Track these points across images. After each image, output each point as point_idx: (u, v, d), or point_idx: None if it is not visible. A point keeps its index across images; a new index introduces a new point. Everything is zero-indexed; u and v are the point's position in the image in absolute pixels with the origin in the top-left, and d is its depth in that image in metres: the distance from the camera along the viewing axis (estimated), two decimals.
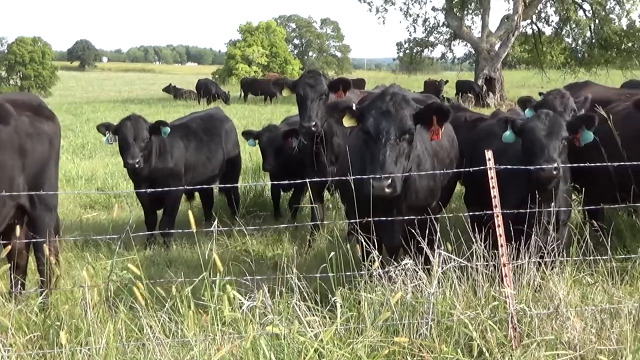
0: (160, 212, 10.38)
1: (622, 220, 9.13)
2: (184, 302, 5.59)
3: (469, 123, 9.28)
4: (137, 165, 9.32)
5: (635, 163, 7.03)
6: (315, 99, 9.04)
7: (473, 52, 42.81)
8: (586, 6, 40.72)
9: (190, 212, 5.81)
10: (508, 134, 6.79)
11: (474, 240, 6.15)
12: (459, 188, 9.54)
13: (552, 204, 6.59)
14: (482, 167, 6.20)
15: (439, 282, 5.83)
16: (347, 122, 6.52)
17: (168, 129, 9.68)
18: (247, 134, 11.48)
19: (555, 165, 6.26)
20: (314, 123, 8.92)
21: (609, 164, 7.25)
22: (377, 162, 5.99)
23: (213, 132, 11.23)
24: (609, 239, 6.70)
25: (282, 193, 11.90)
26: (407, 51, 46.08)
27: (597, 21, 40.16)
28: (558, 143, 6.41)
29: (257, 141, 11.22)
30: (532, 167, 6.31)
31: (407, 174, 6.31)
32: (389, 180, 5.92)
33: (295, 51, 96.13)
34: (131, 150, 9.31)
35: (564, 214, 6.91)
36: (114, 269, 6.44)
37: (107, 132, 9.52)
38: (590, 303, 6.10)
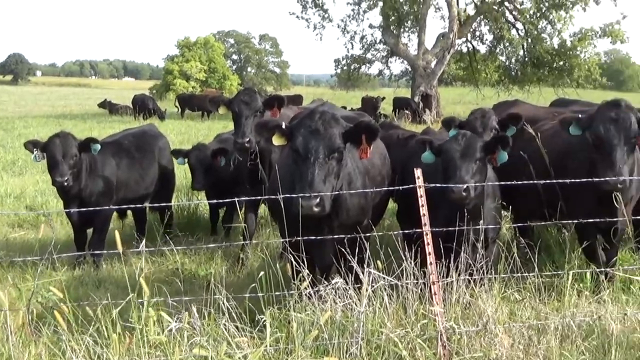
0: (90, 231, 10.15)
1: (551, 236, 9.28)
2: (109, 325, 5.47)
3: (401, 141, 9.34)
4: (65, 184, 9.13)
5: (561, 181, 7.12)
6: (250, 115, 9.11)
7: (410, 69, 43.27)
8: (519, 25, 41.55)
9: (116, 232, 5.71)
10: (427, 154, 6.86)
11: (404, 258, 6.17)
12: (392, 205, 9.58)
13: (481, 221, 6.66)
14: (411, 186, 6.25)
15: (369, 301, 5.84)
16: (276, 140, 6.51)
17: (98, 146, 9.51)
18: (176, 153, 11.44)
19: (466, 186, 6.30)
20: (247, 139, 8.99)
21: (537, 181, 7.36)
22: (306, 180, 5.97)
23: (146, 149, 11.09)
24: (536, 256, 6.80)
25: (219, 210, 11.81)
26: (345, 68, 46.30)
27: (529, 40, 41.01)
28: (471, 164, 6.47)
29: (186, 160, 11.15)
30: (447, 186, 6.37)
31: (336, 192, 6.30)
32: (318, 199, 5.90)
33: (234, 67, 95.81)
34: (60, 168, 9.11)
35: (492, 232, 6.98)
36: (39, 290, 6.29)
37: (34, 149, 9.30)
38: (518, 319, 6.18)
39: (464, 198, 6.32)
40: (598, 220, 7.08)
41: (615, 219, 7.22)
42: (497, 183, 7.24)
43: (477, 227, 6.58)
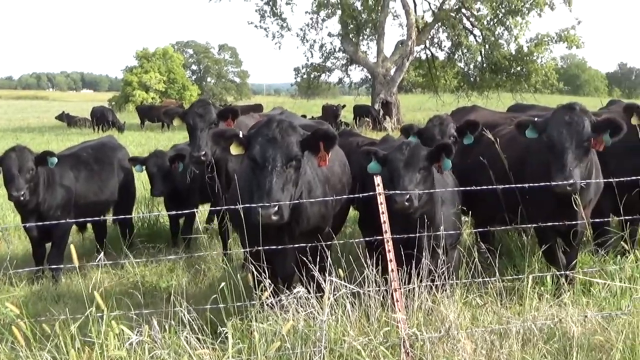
0: (49, 245, 10.00)
1: (512, 240, 9.34)
2: (68, 340, 5.39)
3: (361, 148, 9.34)
4: (22, 198, 8.99)
5: (520, 185, 7.17)
6: (205, 128, 9.15)
7: (369, 76, 43.41)
8: (476, 32, 41.89)
9: (72, 247, 5.64)
10: (372, 164, 6.83)
11: (365, 265, 6.17)
12: (354, 213, 9.58)
13: (441, 227, 6.68)
14: (371, 193, 6.25)
15: (331, 309, 5.82)
16: (234, 150, 6.49)
17: (55, 160, 9.37)
18: (134, 160, 11.33)
19: (408, 195, 6.29)
20: (203, 152, 9.03)
21: (495, 186, 7.39)
22: (264, 189, 5.97)
23: (105, 161, 10.97)
24: (497, 260, 6.84)
25: (179, 221, 11.74)
26: (305, 76, 46.27)
27: (487, 46, 41.35)
28: (415, 174, 6.48)
29: (144, 167, 11.07)
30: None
31: (295, 201, 6.29)
32: (276, 208, 5.89)
33: (193, 77, 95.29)
34: (15, 182, 8.96)
35: (451, 238, 7.00)
36: None
37: None
38: (480, 324, 6.20)
39: (407, 208, 6.30)
40: (557, 223, 7.16)
41: (575, 222, 7.30)
42: (455, 189, 7.29)
43: (437, 233, 6.60)
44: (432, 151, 6.69)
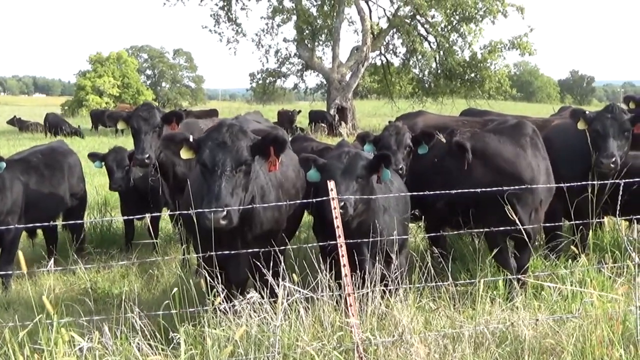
0: None
1: (464, 244, 9.41)
2: (16, 347, 5.30)
3: (316, 153, 9.33)
4: None
5: (467, 190, 7.19)
6: (149, 131, 9.19)
7: (325, 82, 43.47)
8: (431, 38, 42.23)
9: (20, 253, 5.55)
10: (312, 172, 6.84)
11: (319, 270, 6.17)
12: (308, 218, 9.57)
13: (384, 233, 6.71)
14: (325, 198, 6.25)
15: (284, 314, 5.81)
16: (184, 154, 6.47)
17: (3, 164, 9.22)
18: (93, 156, 11.27)
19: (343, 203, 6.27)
20: (147, 155, 9.05)
21: (444, 192, 7.38)
22: (213, 194, 5.97)
23: (55, 166, 10.81)
24: (450, 264, 6.89)
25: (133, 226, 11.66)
26: (260, 82, 46.20)
27: (441, 53, 41.71)
28: (352, 182, 6.48)
29: (103, 163, 11.00)
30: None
31: (246, 206, 6.28)
32: (224, 212, 5.89)
33: (148, 82, 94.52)
34: None
35: (399, 243, 6.98)
36: None
37: None
38: (433, 329, 6.23)
39: (343, 215, 6.27)
40: (509, 228, 7.23)
41: (525, 226, 7.37)
42: (403, 194, 7.32)
43: (377, 239, 6.59)
44: (371, 161, 6.71)
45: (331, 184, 6.23)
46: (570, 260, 8.14)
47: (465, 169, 7.82)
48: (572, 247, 7.78)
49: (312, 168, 6.82)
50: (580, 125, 8.83)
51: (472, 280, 6.99)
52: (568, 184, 7.74)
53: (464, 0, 37.80)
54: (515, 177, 7.62)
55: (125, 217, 9.05)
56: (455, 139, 8.00)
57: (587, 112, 8.98)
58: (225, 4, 42.73)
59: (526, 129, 8.15)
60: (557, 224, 8.60)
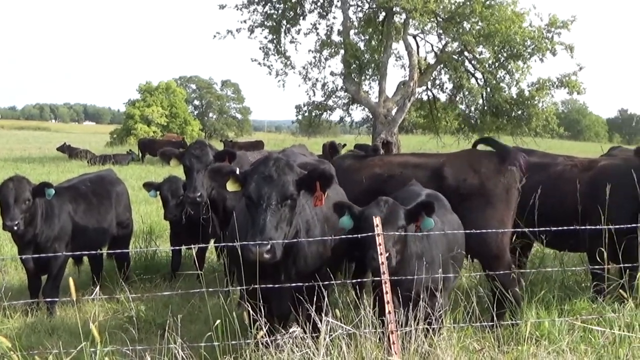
0: (45, 277, 9.93)
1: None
2: None
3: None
4: (15, 228, 8.98)
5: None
6: (201, 169, 9.33)
7: (370, 116, 43.43)
8: (478, 75, 41.98)
9: (71, 280, 5.61)
10: (345, 219, 6.60)
11: (362, 306, 6.14)
12: None
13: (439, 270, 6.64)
14: (370, 234, 6.21)
15: (327, 350, 5.78)
16: (230, 186, 6.52)
17: (52, 191, 9.38)
18: (148, 186, 11.48)
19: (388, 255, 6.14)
20: (199, 194, 9.28)
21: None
22: (257, 227, 5.98)
23: (103, 194, 10.97)
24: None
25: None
26: (306, 114, 46.28)
27: (488, 89, 41.42)
28: (392, 232, 6.26)
29: (158, 192, 11.16)
30: None
31: (293, 240, 6.28)
32: (268, 246, 5.88)
33: (195, 112, 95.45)
34: (11, 212, 8.97)
35: (446, 281, 6.83)
36: None
37: None
38: None
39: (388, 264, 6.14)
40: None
41: None
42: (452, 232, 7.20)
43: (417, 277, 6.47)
44: (411, 210, 6.51)
45: (377, 220, 6.19)
46: (617, 304, 7.99)
47: None
48: (619, 290, 7.64)
49: (345, 214, 6.62)
50: None
51: (518, 322, 6.90)
52: (617, 226, 7.65)
53: (512, 37, 37.49)
54: None
55: (173, 248, 9.12)
56: None
57: None
58: (274, 37, 43.04)
59: None
60: (603, 266, 8.46)
